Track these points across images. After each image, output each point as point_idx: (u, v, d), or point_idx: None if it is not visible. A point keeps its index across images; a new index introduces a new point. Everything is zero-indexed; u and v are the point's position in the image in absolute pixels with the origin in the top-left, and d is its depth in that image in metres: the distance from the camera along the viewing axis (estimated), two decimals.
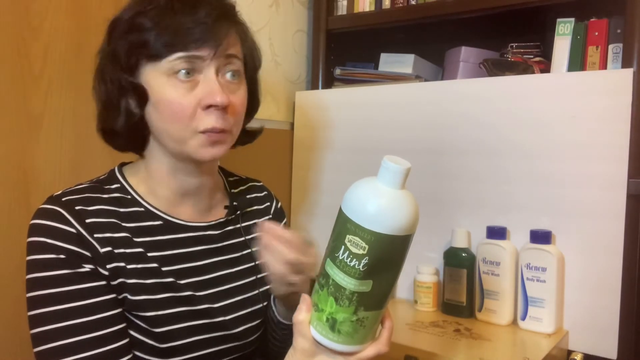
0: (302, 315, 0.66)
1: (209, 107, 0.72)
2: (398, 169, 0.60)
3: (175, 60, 0.71)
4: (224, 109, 0.73)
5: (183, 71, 0.72)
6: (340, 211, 0.63)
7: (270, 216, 0.94)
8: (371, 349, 0.66)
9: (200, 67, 0.73)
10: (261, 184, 0.98)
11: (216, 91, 0.72)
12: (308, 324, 0.66)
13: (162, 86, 0.72)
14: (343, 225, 0.61)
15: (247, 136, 0.89)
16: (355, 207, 0.60)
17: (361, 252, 0.60)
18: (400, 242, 0.61)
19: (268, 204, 0.95)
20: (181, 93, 0.72)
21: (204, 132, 0.72)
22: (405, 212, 0.60)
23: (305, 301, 0.67)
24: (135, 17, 0.73)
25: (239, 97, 0.77)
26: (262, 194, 0.95)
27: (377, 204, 0.60)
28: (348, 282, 0.61)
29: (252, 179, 0.97)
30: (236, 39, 0.77)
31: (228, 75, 0.76)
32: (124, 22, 0.74)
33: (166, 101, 0.72)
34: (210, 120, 0.72)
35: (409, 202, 0.61)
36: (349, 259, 0.60)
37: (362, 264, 0.60)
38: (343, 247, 0.61)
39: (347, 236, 0.61)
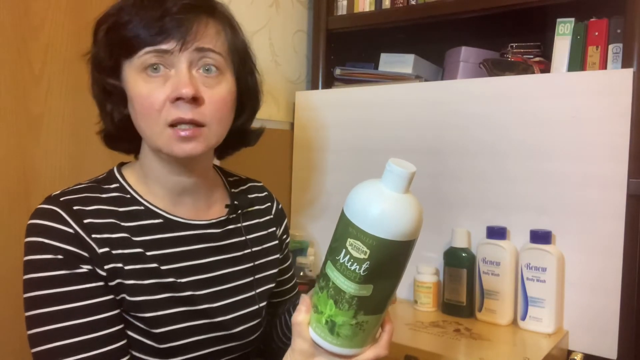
0: (301, 316, 0.66)
1: (177, 99, 0.70)
2: (403, 173, 0.58)
3: (144, 55, 0.70)
4: (194, 101, 0.70)
5: (153, 65, 0.71)
6: (343, 214, 0.61)
7: (272, 216, 0.94)
8: (370, 353, 0.65)
9: (170, 61, 0.71)
10: (261, 184, 0.97)
11: (182, 83, 0.70)
12: (307, 326, 0.65)
13: (135, 82, 0.71)
14: (345, 229, 0.60)
15: (247, 137, 0.88)
16: (357, 211, 0.59)
17: (362, 256, 0.59)
18: (402, 248, 0.60)
19: (269, 204, 0.94)
20: (151, 88, 0.71)
21: (172, 125, 0.70)
22: (408, 217, 0.58)
23: (304, 302, 0.67)
24: (113, 16, 0.73)
25: (218, 93, 0.73)
26: (262, 194, 0.95)
27: (380, 208, 0.58)
28: (348, 286, 0.60)
29: (252, 180, 0.97)
30: (210, 30, 0.73)
31: (203, 70, 0.72)
32: (105, 22, 0.74)
33: (138, 96, 0.71)
34: (178, 112, 0.70)
35: (412, 207, 0.59)
36: (350, 262, 0.59)
37: (362, 269, 0.59)
38: (344, 250, 0.60)
39: (349, 240, 0.59)
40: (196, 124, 0.71)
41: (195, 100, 0.71)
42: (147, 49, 0.70)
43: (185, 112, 0.70)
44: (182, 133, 0.71)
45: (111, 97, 0.75)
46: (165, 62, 0.71)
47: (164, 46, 0.70)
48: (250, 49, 0.82)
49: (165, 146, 0.72)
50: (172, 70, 0.71)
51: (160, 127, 0.71)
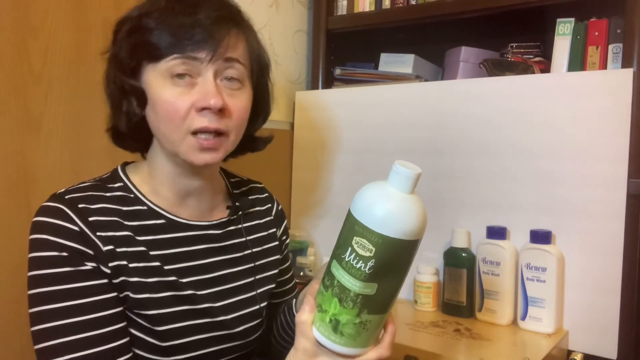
0: (305, 315, 0.66)
1: (202, 109, 0.71)
2: (408, 174, 0.60)
3: (172, 61, 0.71)
4: (219, 111, 0.72)
5: (180, 73, 0.71)
6: (349, 213, 0.63)
7: (272, 217, 0.94)
8: (373, 353, 0.65)
9: (198, 69, 0.72)
10: (262, 185, 0.98)
11: (211, 94, 0.71)
12: (310, 325, 0.65)
13: (160, 87, 0.72)
14: (351, 227, 0.61)
15: (256, 143, 0.89)
16: (363, 210, 0.61)
17: (368, 254, 0.60)
18: (407, 247, 0.61)
19: (269, 205, 0.95)
20: (177, 94, 0.71)
21: (195, 132, 0.71)
22: (413, 216, 0.60)
23: (308, 302, 0.67)
24: (138, 18, 0.73)
25: (240, 102, 0.76)
26: (263, 196, 0.95)
27: (386, 207, 0.60)
28: (353, 284, 0.61)
29: (253, 181, 0.97)
30: (239, 43, 0.76)
31: (228, 79, 0.74)
32: (128, 23, 0.74)
33: (162, 102, 0.72)
34: (203, 120, 0.71)
35: (417, 207, 0.61)
36: (355, 260, 0.60)
37: (368, 266, 0.60)
38: (350, 248, 0.61)
39: (355, 238, 0.61)
40: (219, 133, 0.73)
41: (221, 111, 0.72)
42: (177, 55, 0.71)
43: (211, 121, 0.71)
44: (205, 143, 0.72)
45: (128, 97, 0.75)
46: (192, 70, 0.72)
47: (194, 54, 0.71)
48: (269, 59, 0.84)
49: (184, 153, 0.73)
50: (199, 78, 0.72)
51: (182, 134, 0.72)
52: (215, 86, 0.72)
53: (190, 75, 0.72)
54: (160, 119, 0.73)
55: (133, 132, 0.78)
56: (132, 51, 0.73)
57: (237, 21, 0.76)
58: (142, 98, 0.74)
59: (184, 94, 0.71)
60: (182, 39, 0.70)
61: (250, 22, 0.80)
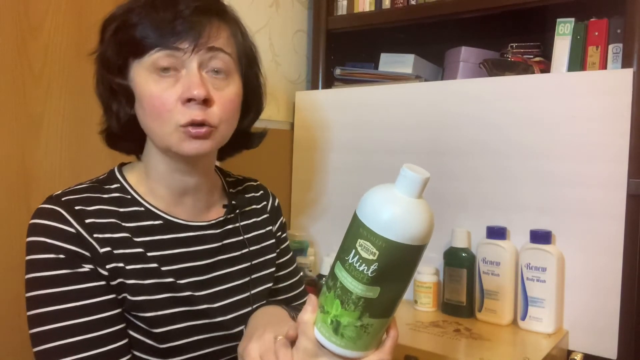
0: (307, 315, 0.66)
1: (188, 100, 0.71)
2: (416, 178, 0.59)
3: (156, 54, 0.71)
4: (205, 102, 0.71)
5: (164, 66, 0.71)
6: (355, 215, 0.62)
7: (268, 215, 0.94)
8: (373, 357, 0.65)
9: (182, 61, 0.72)
10: (257, 183, 0.97)
11: (194, 84, 0.70)
12: (312, 325, 0.65)
13: (145, 82, 0.72)
14: (356, 229, 0.61)
15: (250, 139, 0.88)
16: (369, 212, 0.60)
17: (371, 257, 0.59)
18: (411, 252, 0.60)
19: (265, 202, 0.94)
20: (162, 88, 0.71)
21: (184, 126, 0.71)
22: (419, 221, 0.59)
23: (311, 302, 0.67)
24: (122, 16, 0.73)
25: (227, 94, 0.74)
26: (258, 193, 0.95)
27: (392, 211, 0.59)
28: (355, 287, 0.60)
29: (248, 179, 0.97)
30: (221, 32, 0.75)
31: (213, 71, 0.73)
32: (114, 22, 0.74)
33: (148, 96, 0.71)
34: (190, 113, 0.71)
35: (424, 212, 0.60)
36: (359, 263, 0.60)
37: (370, 270, 0.59)
38: (354, 251, 0.60)
39: (359, 240, 0.60)
40: (207, 125, 0.72)
41: (206, 102, 0.72)
42: (160, 49, 0.70)
43: (197, 113, 0.71)
44: (194, 131, 0.71)
45: (117, 96, 0.75)
46: (176, 62, 0.71)
47: (177, 46, 0.70)
48: (257, 52, 0.83)
49: (175, 145, 0.72)
50: (183, 70, 0.72)
51: (171, 128, 0.71)
52: (200, 77, 0.71)
53: (175, 69, 0.72)
54: (148, 114, 0.72)
55: (125, 133, 0.77)
56: (118, 49, 0.73)
57: (218, 11, 0.75)
58: (130, 96, 0.74)
59: (169, 88, 0.71)
60: (164, 32, 0.70)
61: (234, 14, 0.79)
